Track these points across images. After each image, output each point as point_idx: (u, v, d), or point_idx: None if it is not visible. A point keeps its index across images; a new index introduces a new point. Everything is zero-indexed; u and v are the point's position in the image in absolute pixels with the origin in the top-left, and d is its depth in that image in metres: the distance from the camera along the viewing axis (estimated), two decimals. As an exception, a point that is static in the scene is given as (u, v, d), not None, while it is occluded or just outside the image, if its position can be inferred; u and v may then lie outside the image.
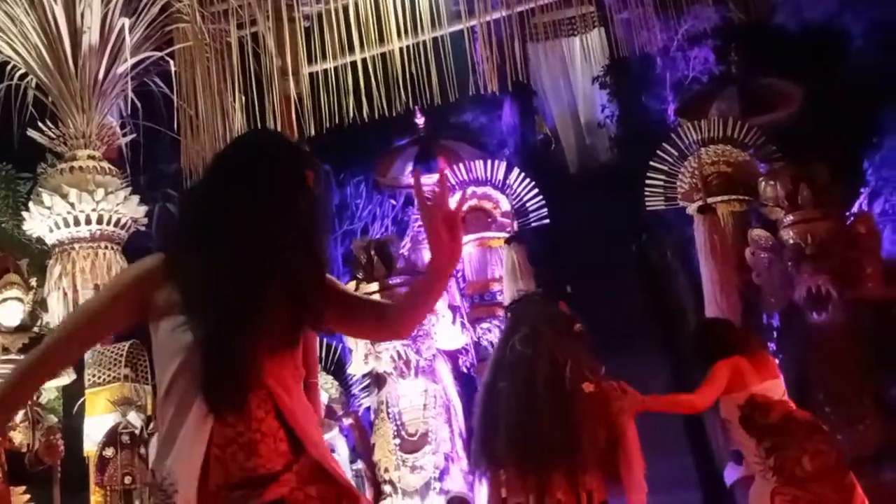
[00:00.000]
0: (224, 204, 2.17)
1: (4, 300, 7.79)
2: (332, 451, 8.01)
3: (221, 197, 2.19)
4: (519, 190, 8.51)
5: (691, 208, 7.99)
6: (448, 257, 2.26)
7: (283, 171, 2.22)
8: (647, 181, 8.18)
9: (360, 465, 8.11)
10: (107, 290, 2.34)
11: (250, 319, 2.12)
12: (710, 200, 7.86)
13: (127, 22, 7.41)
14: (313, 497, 2.18)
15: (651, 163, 8.16)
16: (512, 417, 4.71)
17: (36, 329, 7.68)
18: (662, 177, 8.15)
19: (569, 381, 4.62)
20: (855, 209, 7.84)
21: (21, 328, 7.65)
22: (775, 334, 7.48)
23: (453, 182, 8.63)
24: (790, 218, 7.21)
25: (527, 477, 4.65)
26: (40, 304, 7.82)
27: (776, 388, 5.63)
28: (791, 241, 7.16)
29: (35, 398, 7.22)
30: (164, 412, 2.17)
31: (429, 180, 9.38)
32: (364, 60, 7.36)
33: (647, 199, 8.22)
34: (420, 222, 2.38)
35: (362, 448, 8.08)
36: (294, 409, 2.20)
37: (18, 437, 6.62)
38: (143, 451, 7.27)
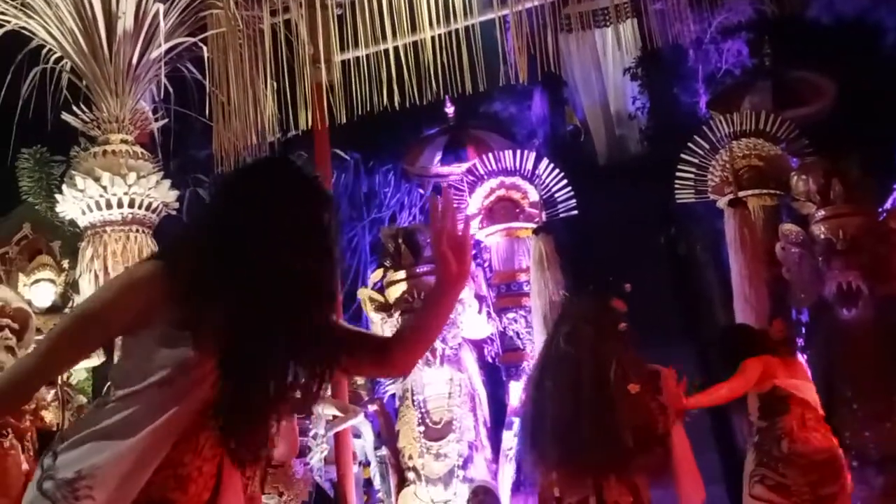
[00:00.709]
0: (240, 224, 2.10)
1: (37, 281, 7.89)
2: (358, 436, 8.07)
3: (238, 217, 2.11)
4: (548, 180, 8.50)
5: (722, 202, 7.95)
6: (454, 283, 2.22)
7: (303, 199, 2.16)
8: (678, 174, 8.15)
9: (384, 451, 8.15)
10: (101, 305, 2.12)
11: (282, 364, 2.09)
12: (741, 194, 7.82)
13: (161, 7, 7.44)
14: None
15: (682, 155, 8.13)
16: (557, 418, 4.69)
17: (67, 311, 7.77)
18: (693, 170, 8.12)
19: (613, 382, 4.58)
20: (887, 205, 7.77)
21: (53, 309, 7.74)
22: (804, 330, 7.44)
23: (482, 171, 8.64)
24: (821, 213, 7.16)
25: (580, 478, 4.62)
26: (72, 286, 7.91)
27: (806, 389, 5.67)
28: (822, 237, 7.11)
29: (66, 378, 7.31)
30: (112, 410, 2.04)
31: (457, 169, 9.41)
32: (396, 49, 7.35)
33: (677, 191, 8.20)
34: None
35: (387, 435, 8.12)
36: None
37: (49, 416, 6.70)
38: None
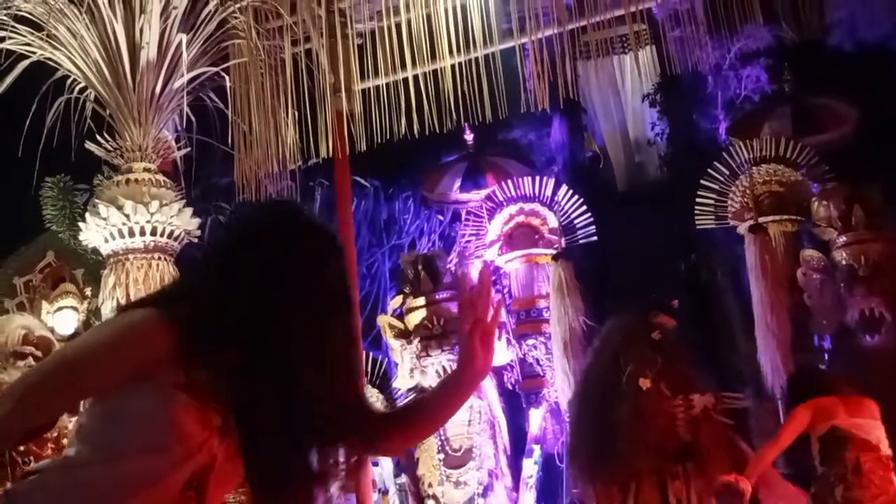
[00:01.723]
0: (269, 283, 1.91)
1: (60, 309, 7.95)
2: (376, 464, 8.06)
3: (269, 275, 1.91)
4: (567, 207, 8.52)
5: (742, 228, 7.93)
6: (480, 376, 2.12)
7: (324, 260, 1.99)
8: (698, 200, 8.14)
9: (403, 479, 8.13)
10: (92, 355, 1.86)
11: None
12: (761, 220, 7.81)
13: (184, 38, 7.52)
14: None
15: (702, 181, 8.12)
16: (576, 430, 4.67)
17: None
18: (713, 195, 8.11)
19: (624, 382, 4.54)
20: (909, 231, 7.73)
21: (75, 336, 7.80)
22: (826, 356, 7.39)
23: (501, 198, 8.66)
24: (843, 239, 7.14)
25: (610, 489, 4.57)
26: (94, 314, 7.96)
27: (870, 428, 5.44)
28: (844, 263, 7.09)
29: (88, 405, 7.35)
30: (87, 475, 1.82)
31: (476, 196, 9.44)
32: (416, 77, 7.40)
33: (697, 217, 8.18)
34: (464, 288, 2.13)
35: (406, 462, 8.11)
36: None
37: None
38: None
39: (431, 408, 2.19)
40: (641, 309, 4.98)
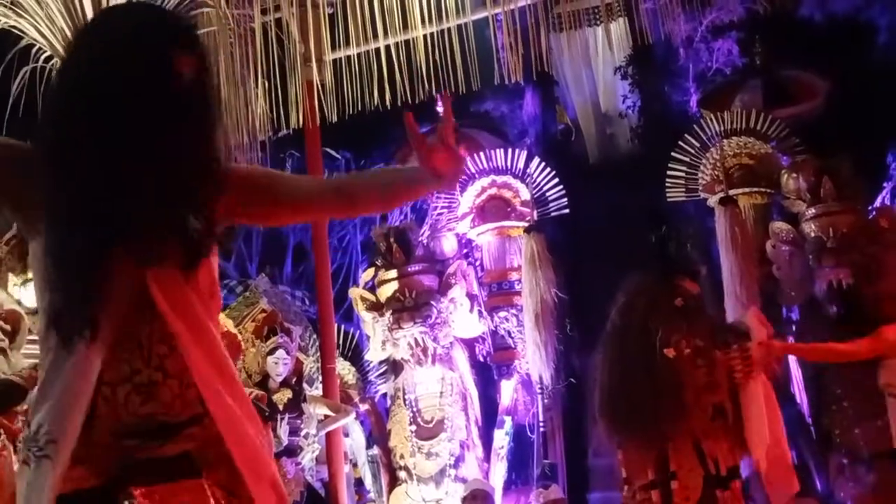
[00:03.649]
0: (78, 85, 1.83)
1: (27, 281, 7.84)
2: (346, 435, 8.07)
3: (78, 77, 1.84)
4: (539, 179, 8.51)
5: (712, 200, 7.97)
6: (454, 174, 2.15)
7: (145, 53, 1.85)
8: (669, 172, 8.16)
9: (375, 450, 8.16)
10: None
11: (102, 219, 1.76)
12: (731, 192, 7.83)
13: (151, 6, 7.42)
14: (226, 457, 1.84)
15: (673, 154, 8.14)
16: (607, 392, 4.65)
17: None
18: (684, 168, 8.13)
19: (658, 349, 4.54)
20: (877, 203, 7.80)
21: (43, 309, 7.71)
22: (794, 328, 7.47)
23: (473, 170, 8.65)
24: (812, 211, 7.19)
25: (644, 454, 4.57)
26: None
27: None
28: (812, 235, 7.14)
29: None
30: (46, 346, 1.79)
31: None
32: (387, 47, 7.34)
33: (667, 190, 8.20)
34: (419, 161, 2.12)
35: (378, 434, 8.13)
36: (193, 349, 1.79)
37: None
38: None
39: (402, 184, 2.22)
40: (667, 272, 4.98)
